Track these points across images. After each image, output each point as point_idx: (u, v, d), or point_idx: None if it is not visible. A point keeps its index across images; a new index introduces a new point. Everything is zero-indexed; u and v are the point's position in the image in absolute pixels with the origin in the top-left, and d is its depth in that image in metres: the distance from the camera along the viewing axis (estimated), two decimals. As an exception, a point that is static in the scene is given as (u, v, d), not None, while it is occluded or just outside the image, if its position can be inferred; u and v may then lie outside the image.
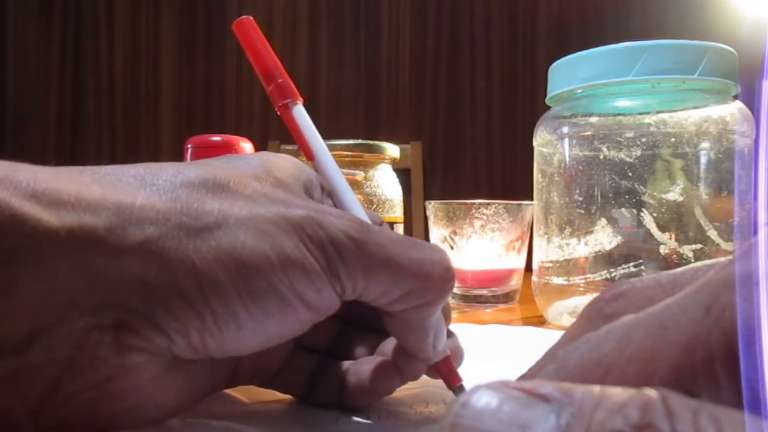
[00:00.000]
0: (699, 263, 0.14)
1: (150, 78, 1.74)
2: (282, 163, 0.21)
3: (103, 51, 1.75)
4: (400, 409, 0.22)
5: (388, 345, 0.22)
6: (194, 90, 1.73)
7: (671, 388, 0.09)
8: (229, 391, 0.23)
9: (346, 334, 0.24)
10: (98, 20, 1.75)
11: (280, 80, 0.23)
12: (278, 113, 0.23)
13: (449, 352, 0.22)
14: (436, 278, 0.19)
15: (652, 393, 0.08)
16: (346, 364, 0.22)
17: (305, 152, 0.23)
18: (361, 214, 0.22)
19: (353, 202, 0.22)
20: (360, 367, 0.22)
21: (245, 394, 0.23)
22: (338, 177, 0.23)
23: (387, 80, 1.68)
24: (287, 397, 0.23)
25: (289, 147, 1.34)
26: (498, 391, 0.08)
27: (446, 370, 0.21)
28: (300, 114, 0.23)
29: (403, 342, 0.21)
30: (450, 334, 0.23)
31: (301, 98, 0.23)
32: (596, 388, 0.08)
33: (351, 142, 0.45)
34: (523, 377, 0.14)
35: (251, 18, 0.23)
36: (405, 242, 0.19)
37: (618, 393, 0.08)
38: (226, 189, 0.18)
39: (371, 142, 0.46)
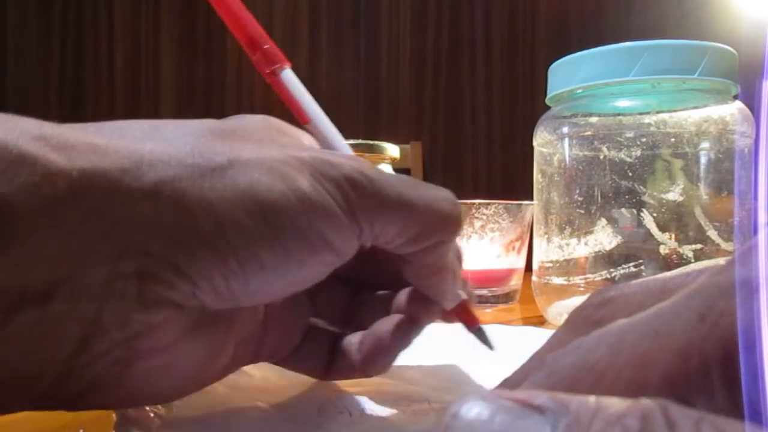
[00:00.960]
0: (688, 267, 0.13)
1: (150, 78, 1.74)
2: (281, 122, 0.21)
3: (103, 51, 1.75)
4: (383, 407, 0.22)
5: (399, 301, 0.22)
6: (194, 90, 1.73)
7: (665, 396, 0.09)
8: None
9: (358, 302, 0.24)
10: (98, 20, 1.75)
11: (265, 46, 0.22)
12: (267, 81, 0.22)
13: (466, 296, 0.22)
14: (445, 214, 0.19)
15: (651, 403, 0.08)
16: (361, 332, 0.22)
17: (299, 116, 0.22)
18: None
19: (348, 151, 0.22)
20: (376, 329, 0.22)
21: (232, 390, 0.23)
22: (337, 136, 0.22)
23: (387, 80, 1.68)
24: (268, 394, 0.23)
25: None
26: (490, 401, 0.08)
27: (464, 313, 0.22)
28: (290, 79, 0.22)
29: (424, 287, 0.21)
30: (462, 279, 0.23)
31: (288, 62, 0.23)
32: (592, 398, 0.08)
33: (351, 142, 0.45)
34: (507, 381, 0.14)
35: None
36: (413, 182, 0.19)
37: (615, 403, 0.08)
38: (233, 136, 0.18)
39: (371, 142, 0.46)
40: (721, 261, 0.12)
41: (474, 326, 0.22)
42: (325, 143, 0.22)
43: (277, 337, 0.22)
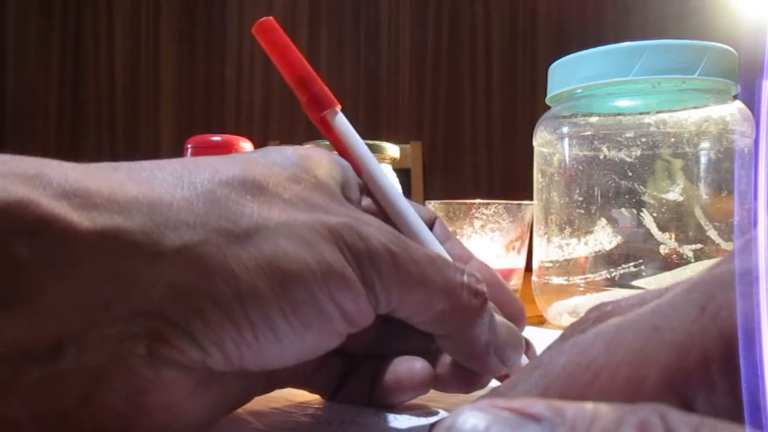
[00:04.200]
0: (687, 269, 0.13)
1: (150, 78, 1.74)
2: (320, 159, 0.20)
3: (103, 51, 1.75)
4: (365, 418, 0.21)
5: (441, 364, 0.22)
6: (194, 90, 1.73)
7: (664, 392, 0.09)
8: None
9: (383, 334, 0.23)
10: (98, 20, 1.75)
11: (315, 88, 0.21)
12: (316, 125, 0.21)
13: (523, 363, 0.20)
14: (466, 303, 0.18)
15: (649, 409, 0.07)
16: (378, 362, 0.22)
17: (354, 167, 0.21)
18: (422, 230, 0.21)
19: (414, 219, 0.21)
20: (397, 365, 0.21)
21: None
22: (389, 187, 0.21)
23: (387, 80, 1.68)
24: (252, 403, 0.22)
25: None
26: (485, 412, 0.08)
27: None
28: (342, 124, 0.21)
29: (461, 361, 0.20)
30: (528, 345, 0.22)
31: (338, 104, 0.21)
32: (589, 405, 0.08)
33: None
34: (504, 386, 0.14)
35: (273, 19, 0.21)
36: (441, 263, 0.18)
37: (613, 410, 0.08)
38: (265, 191, 0.17)
39: (371, 142, 0.46)
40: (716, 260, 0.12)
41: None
42: (376, 191, 0.21)
43: (290, 369, 0.21)
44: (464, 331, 0.19)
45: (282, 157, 0.19)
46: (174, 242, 0.15)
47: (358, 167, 0.21)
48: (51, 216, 0.14)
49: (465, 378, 0.21)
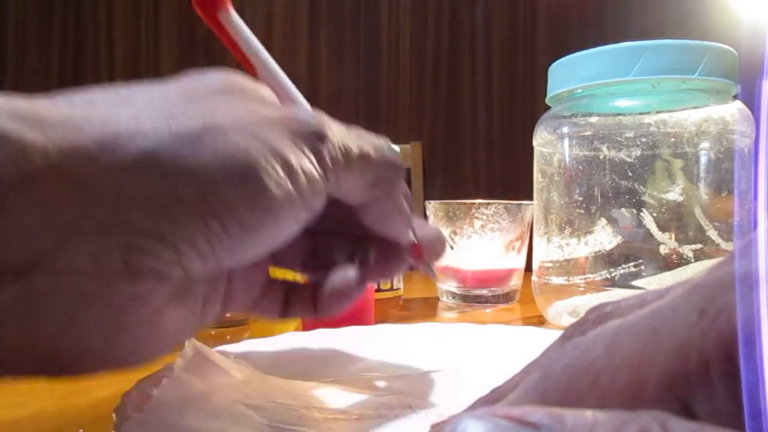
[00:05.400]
0: (687, 269, 0.13)
1: (150, 78, 1.74)
2: (240, 77, 0.21)
3: (103, 51, 1.75)
4: (364, 413, 0.21)
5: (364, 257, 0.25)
6: (194, 90, 1.73)
7: (663, 396, 0.09)
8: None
9: (317, 251, 0.26)
10: (98, 20, 1.75)
11: None
12: (207, 24, 0.21)
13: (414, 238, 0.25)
14: (392, 159, 0.21)
15: (649, 417, 0.07)
16: (317, 279, 0.24)
17: (248, 68, 0.22)
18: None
19: (304, 102, 0.23)
20: (333, 278, 0.23)
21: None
22: (289, 86, 0.22)
23: (387, 80, 1.68)
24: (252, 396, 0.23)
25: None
26: (484, 419, 0.08)
27: (415, 249, 0.25)
28: (234, 22, 0.21)
29: (388, 231, 0.23)
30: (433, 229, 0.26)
31: (229, 2, 0.21)
32: (588, 413, 0.08)
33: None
34: (504, 387, 0.14)
35: None
36: (360, 133, 0.21)
37: (612, 417, 0.07)
38: (201, 99, 0.18)
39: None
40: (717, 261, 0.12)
41: (420, 258, 0.25)
42: (279, 93, 0.22)
43: (240, 292, 0.22)
44: (390, 192, 0.22)
45: (207, 77, 0.20)
46: (130, 152, 0.15)
47: (253, 71, 0.22)
48: (5, 132, 0.14)
49: (385, 264, 0.24)
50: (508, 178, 1.61)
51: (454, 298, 0.55)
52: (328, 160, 0.19)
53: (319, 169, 0.18)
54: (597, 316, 0.14)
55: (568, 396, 0.10)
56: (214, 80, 0.19)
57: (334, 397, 0.23)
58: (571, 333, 0.14)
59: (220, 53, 1.71)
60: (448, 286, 0.56)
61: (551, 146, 0.45)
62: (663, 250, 0.39)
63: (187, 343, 0.24)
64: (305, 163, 0.18)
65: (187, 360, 0.23)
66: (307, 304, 0.24)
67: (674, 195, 0.39)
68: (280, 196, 0.17)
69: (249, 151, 0.17)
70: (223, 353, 0.26)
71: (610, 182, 0.41)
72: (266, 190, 0.17)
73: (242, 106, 0.18)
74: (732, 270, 0.09)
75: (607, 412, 0.08)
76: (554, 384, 0.11)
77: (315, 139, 0.18)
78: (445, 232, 0.55)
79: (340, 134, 0.20)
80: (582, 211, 0.42)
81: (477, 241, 0.54)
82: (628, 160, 0.40)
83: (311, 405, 0.22)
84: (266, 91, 0.21)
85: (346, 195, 0.21)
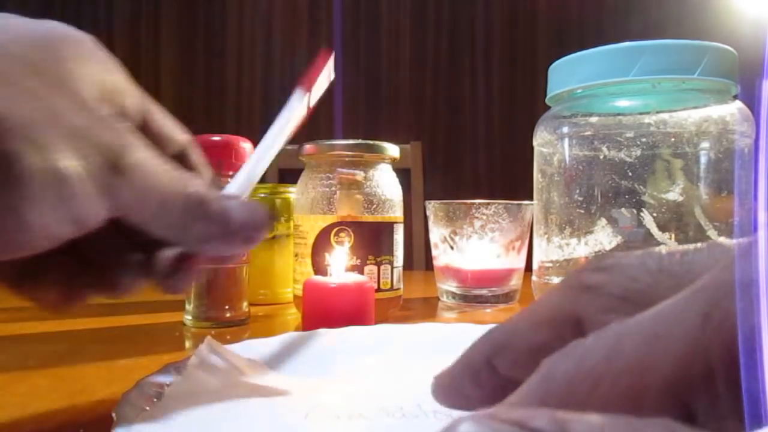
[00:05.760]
0: (685, 246, 0.13)
1: (150, 78, 1.74)
2: (82, 49, 0.20)
3: (103, 51, 1.75)
4: (373, 412, 0.21)
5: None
6: (194, 90, 1.73)
7: (666, 401, 0.09)
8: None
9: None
10: (98, 20, 1.75)
11: None
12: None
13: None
14: (217, 219, 0.19)
15: (658, 425, 0.07)
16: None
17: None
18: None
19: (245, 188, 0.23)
20: (161, 255, 0.22)
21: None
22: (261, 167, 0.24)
23: (387, 80, 1.68)
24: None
25: (289, 147, 1.33)
26: (486, 423, 0.08)
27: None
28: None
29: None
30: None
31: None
32: (595, 419, 0.07)
33: (351, 141, 0.45)
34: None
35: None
36: (174, 173, 0.19)
37: (621, 424, 0.07)
38: (33, 76, 0.17)
39: (371, 141, 0.46)
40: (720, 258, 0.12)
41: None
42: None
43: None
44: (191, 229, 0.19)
45: (37, 35, 0.19)
46: None
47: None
48: None
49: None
50: (508, 178, 1.61)
51: (454, 298, 0.55)
52: (112, 188, 0.17)
53: (99, 193, 0.17)
54: (596, 266, 0.14)
55: (569, 400, 0.10)
56: (37, 50, 0.18)
57: (343, 396, 0.23)
58: (569, 281, 0.14)
59: (220, 54, 1.71)
60: (448, 286, 0.56)
61: (551, 146, 0.45)
62: (663, 250, 0.39)
63: (204, 341, 0.25)
64: (83, 187, 0.17)
65: (200, 357, 0.24)
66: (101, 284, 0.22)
67: (674, 195, 0.39)
68: (48, 213, 0.16)
69: (29, 164, 0.16)
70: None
71: (610, 182, 0.41)
72: (33, 198, 0.16)
73: (46, 102, 0.17)
74: (734, 273, 0.09)
75: (614, 417, 0.07)
76: (554, 388, 0.11)
77: (105, 161, 0.17)
78: (445, 232, 0.55)
79: (147, 163, 0.18)
80: (582, 211, 0.42)
81: (477, 241, 0.54)
82: (628, 160, 0.40)
83: (320, 404, 0.22)
84: (112, 80, 0.20)
85: (144, 225, 0.19)
